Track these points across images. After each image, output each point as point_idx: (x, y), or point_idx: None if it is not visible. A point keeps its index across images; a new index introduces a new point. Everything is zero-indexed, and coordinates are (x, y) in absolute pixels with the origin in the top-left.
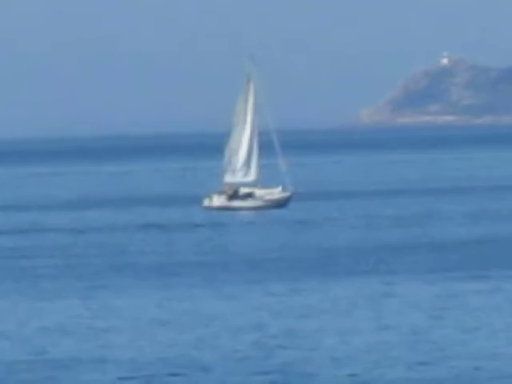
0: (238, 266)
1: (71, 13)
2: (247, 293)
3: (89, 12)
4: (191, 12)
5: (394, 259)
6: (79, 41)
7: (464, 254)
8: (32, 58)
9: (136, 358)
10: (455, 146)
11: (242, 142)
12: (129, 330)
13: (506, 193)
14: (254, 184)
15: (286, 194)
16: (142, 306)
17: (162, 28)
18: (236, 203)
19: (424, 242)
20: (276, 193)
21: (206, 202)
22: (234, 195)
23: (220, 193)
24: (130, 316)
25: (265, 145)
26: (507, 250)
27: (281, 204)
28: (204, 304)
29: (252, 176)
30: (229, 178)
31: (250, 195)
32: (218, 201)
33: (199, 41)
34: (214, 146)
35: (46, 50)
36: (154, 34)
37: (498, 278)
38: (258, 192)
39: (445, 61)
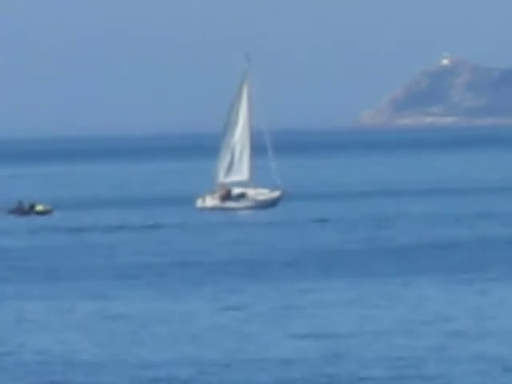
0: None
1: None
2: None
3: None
4: (188, 12)
5: (390, 261)
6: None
7: (463, 255)
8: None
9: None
10: (456, 147)
11: (235, 143)
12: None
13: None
14: (246, 184)
15: (276, 195)
16: (136, 307)
17: (157, 27)
18: (229, 204)
19: (421, 243)
20: (266, 193)
21: (200, 203)
22: (227, 196)
23: (213, 193)
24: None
25: (259, 145)
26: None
27: (271, 204)
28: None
29: (245, 176)
30: (222, 178)
31: (242, 196)
32: (211, 201)
33: (193, 41)
34: (207, 147)
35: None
36: (150, 34)
37: None
38: (250, 192)
39: (446, 61)
